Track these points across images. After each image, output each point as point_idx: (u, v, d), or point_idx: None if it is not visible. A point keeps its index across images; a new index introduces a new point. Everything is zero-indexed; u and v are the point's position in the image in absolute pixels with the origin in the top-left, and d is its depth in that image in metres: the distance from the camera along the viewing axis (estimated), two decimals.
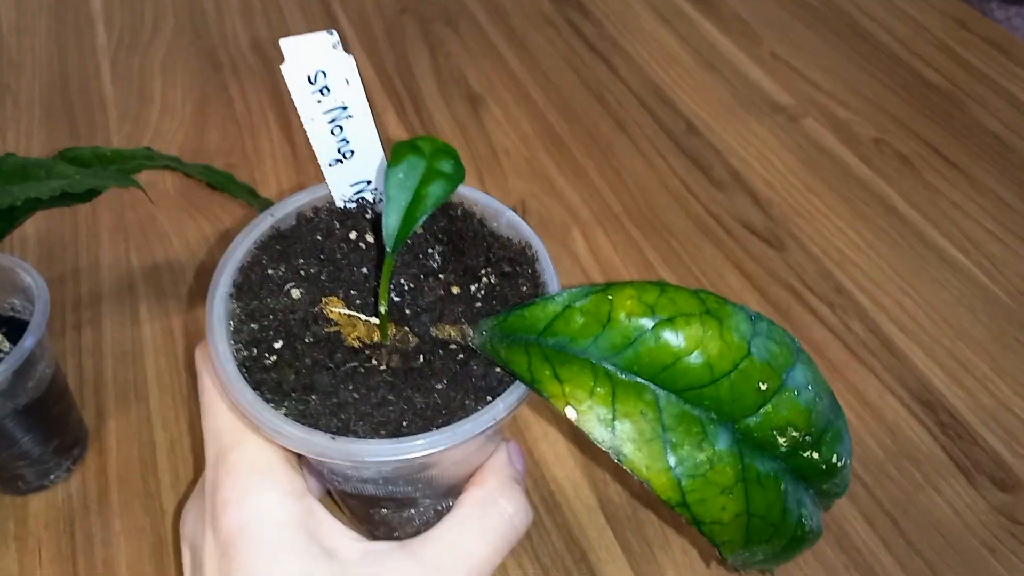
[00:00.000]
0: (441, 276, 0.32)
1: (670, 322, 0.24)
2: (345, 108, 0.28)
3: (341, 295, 0.30)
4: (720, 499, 0.23)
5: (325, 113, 0.28)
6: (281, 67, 0.26)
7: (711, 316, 0.24)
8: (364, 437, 0.26)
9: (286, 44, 0.26)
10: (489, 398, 0.27)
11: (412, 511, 0.34)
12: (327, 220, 0.32)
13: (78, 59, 0.72)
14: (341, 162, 0.30)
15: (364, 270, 0.31)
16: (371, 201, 0.33)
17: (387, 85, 0.68)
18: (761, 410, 0.24)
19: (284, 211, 0.32)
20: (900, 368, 0.48)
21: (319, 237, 0.31)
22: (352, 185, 0.32)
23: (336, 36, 0.26)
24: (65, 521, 0.43)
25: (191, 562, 0.29)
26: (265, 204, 0.44)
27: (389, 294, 0.28)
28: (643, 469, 0.23)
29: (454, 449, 0.26)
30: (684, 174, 0.60)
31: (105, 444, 0.47)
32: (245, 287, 0.29)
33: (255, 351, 0.28)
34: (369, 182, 0.32)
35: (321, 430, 0.26)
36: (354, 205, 0.32)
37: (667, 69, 0.69)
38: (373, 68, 0.70)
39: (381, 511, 0.34)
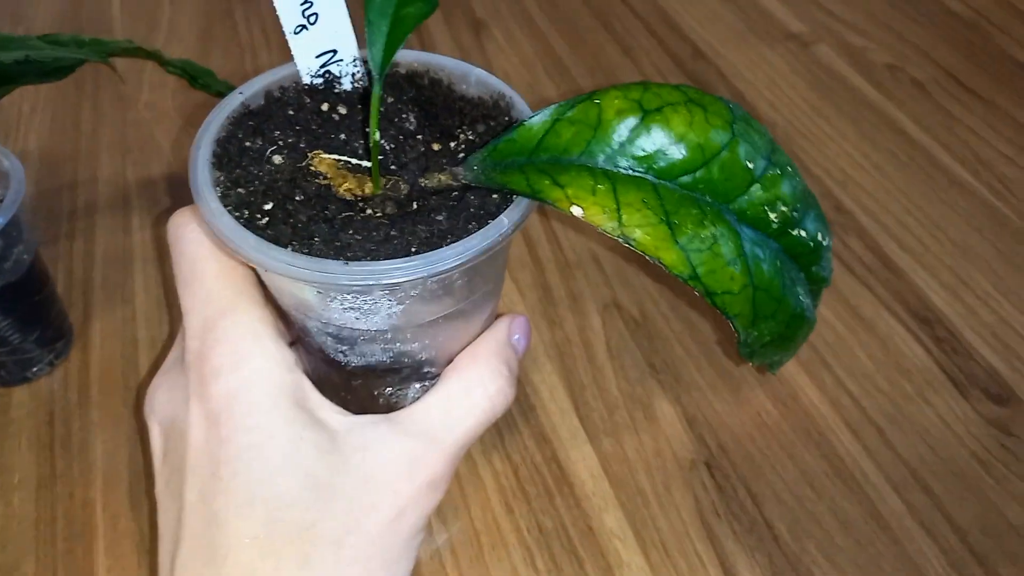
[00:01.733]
0: (419, 137, 0.31)
1: (658, 112, 0.25)
2: None
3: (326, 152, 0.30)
4: (727, 270, 0.24)
5: None
6: None
7: (694, 104, 0.25)
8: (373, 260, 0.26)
9: None
10: (491, 221, 0.28)
11: (415, 387, 0.33)
12: (296, 96, 0.32)
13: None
14: (306, 28, 0.30)
15: (342, 136, 0.31)
16: (337, 75, 0.32)
17: None
18: (751, 188, 0.26)
19: (253, 89, 0.31)
20: (898, 284, 0.46)
21: (290, 111, 0.31)
22: (318, 57, 0.31)
23: None
24: (45, 411, 0.44)
25: (163, 438, 0.29)
26: None
27: (378, 133, 0.27)
28: (654, 249, 0.24)
29: (469, 265, 0.26)
30: None
31: (89, 342, 0.47)
32: (225, 158, 0.29)
33: (246, 212, 0.27)
34: (335, 51, 0.31)
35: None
36: (320, 80, 0.32)
37: None
38: None
39: (386, 391, 0.33)
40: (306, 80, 0.31)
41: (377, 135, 0.27)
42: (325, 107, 0.31)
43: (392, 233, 0.27)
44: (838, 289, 0.46)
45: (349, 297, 0.27)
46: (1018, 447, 0.39)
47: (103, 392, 0.44)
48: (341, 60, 0.32)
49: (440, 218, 0.28)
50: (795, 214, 0.27)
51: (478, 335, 0.32)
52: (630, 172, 0.25)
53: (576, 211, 0.24)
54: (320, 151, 0.30)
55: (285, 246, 0.26)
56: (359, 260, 0.26)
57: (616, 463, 0.39)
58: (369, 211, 0.28)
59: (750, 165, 0.26)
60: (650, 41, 0.63)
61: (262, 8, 0.68)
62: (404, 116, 0.32)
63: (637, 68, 0.61)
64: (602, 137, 0.25)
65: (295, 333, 0.31)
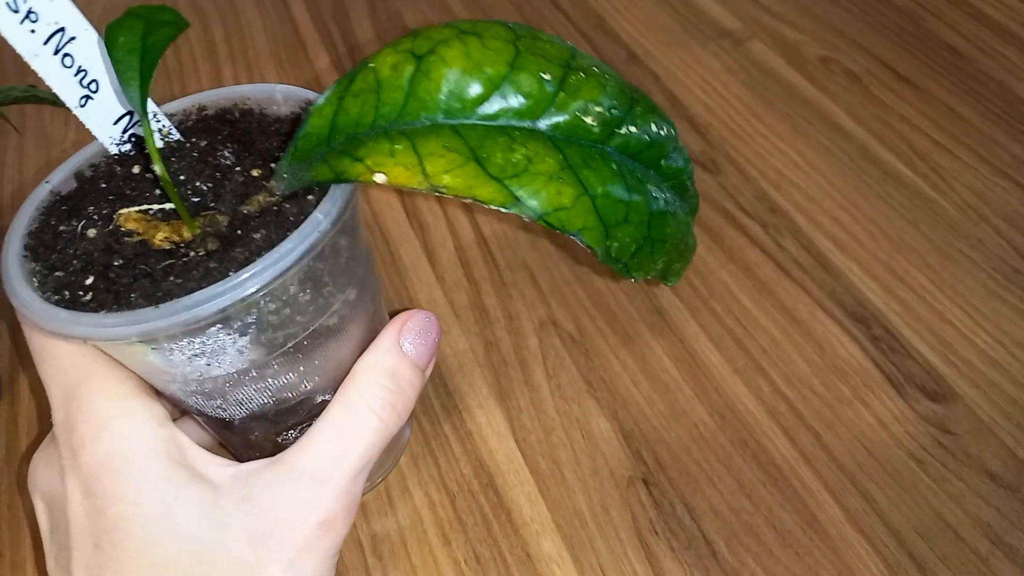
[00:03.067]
0: (238, 168, 0.30)
1: (432, 54, 0.24)
2: (63, 30, 0.26)
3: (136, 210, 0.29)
4: (552, 185, 0.23)
5: (46, 43, 0.25)
6: None
7: (468, 34, 0.25)
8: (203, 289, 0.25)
9: None
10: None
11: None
12: (106, 168, 0.30)
13: None
14: (91, 98, 0.28)
15: (158, 191, 0.30)
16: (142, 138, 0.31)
17: (322, 31, 0.67)
18: (556, 99, 0.25)
19: (61, 175, 0.30)
20: (833, 284, 0.46)
21: (103, 185, 0.30)
22: (115, 123, 0.30)
23: None
24: None
25: (47, 514, 0.28)
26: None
27: (159, 158, 0.26)
28: (466, 189, 0.23)
29: (298, 271, 0.25)
30: None
31: (18, 396, 0.46)
32: (39, 248, 0.28)
33: (67, 294, 0.26)
34: (132, 114, 0.30)
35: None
36: (129, 146, 0.31)
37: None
38: (309, 13, 0.68)
39: (291, 435, 0.32)
40: (113, 150, 0.30)
41: (163, 170, 0.26)
42: (136, 169, 0.30)
43: (211, 266, 0.26)
44: (773, 293, 0.46)
45: (185, 343, 0.26)
46: (954, 444, 0.39)
47: (31, 450, 0.44)
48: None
49: (258, 236, 0.27)
50: (614, 112, 0.26)
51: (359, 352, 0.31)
52: (425, 123, 0.24)
53: (379, 178, 0.23)
54: (127, 209, 0.29)
55: (110, 311, 0.25)
56: (178, 295, 0.25)
57: (554, 485, 0.39)
58: (192, 253, 0.27)
59: (546, 76, 0.25)
60: (583, 46, 0.63)
61: (188, 33, 0.67)
62: (220, 153, 0.31)
63: None
64: (387, 98, 0.24)
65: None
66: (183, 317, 0.24)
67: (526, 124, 0.25)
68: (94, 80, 0.27)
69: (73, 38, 0.26)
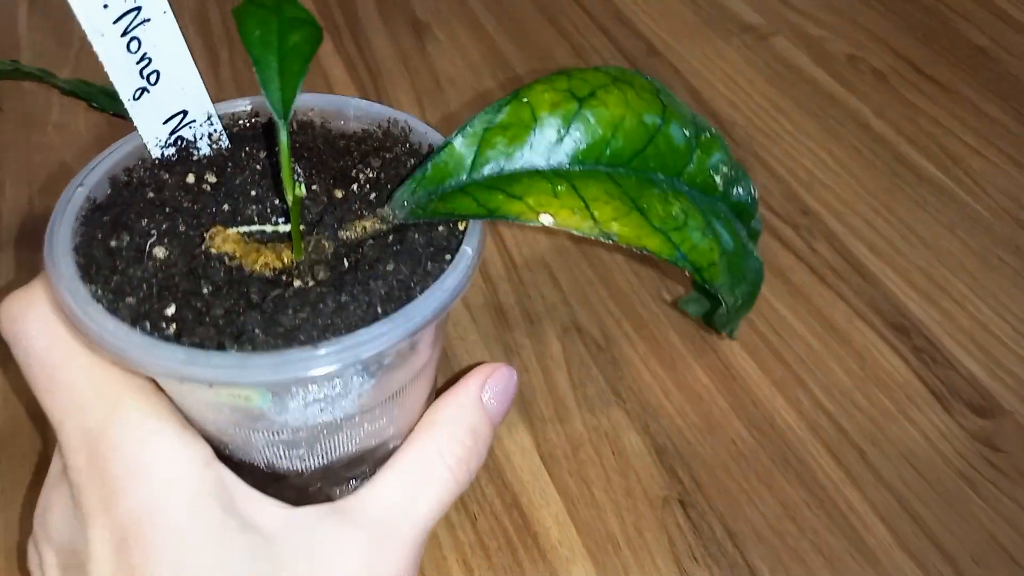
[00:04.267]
0: (314, 188, 0.28)
1: (592, 97, 0.24)
2: (139, 10, 0.23)
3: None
4: (704, 241, 0.24)
5: (116, 23, 0.23)
6: None
7: (621, 81, 0.25)
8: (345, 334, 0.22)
9: None
10: (448, 255, 0.25)
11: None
12: (150, 174, 0.27)
13: None
14: (147, 91, 0.25)
15: (226, 207, 0.27)
16: (192, 139, 0.28)
17: (324, 12, 0.63)
18: (694, 155, 0.26)
19: (94, 178, 0.26)
20: (871, 291, 0.44)
21: (150, 193, 0.26)
22: (165, 122, 0.26)
23: None
24: None
25: (61, 569, 0.24)
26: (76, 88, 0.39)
27: (302, 188, 0.23)
28: (636, 239, 0.23)
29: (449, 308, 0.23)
30: None
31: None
32: (92, 267, 0.24)
33: (148, 324, 0.22)
34: (185, 113, 0.27)
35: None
36: (173, 151, 0.27)
37: None
38: (313, 2, 0.65)
39: (349, 485, 0.29)
40: (156, 153, 0.27)
41: (302, 189, 0.23)
42: (191, 179, 0.27)
43: (344, 299, 0.23)
44: (809, 299, 0.43)
45: (315, 388, 0.23)
46: (1005, 463, 0.37)
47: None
48: (193, 121, 0.27)
49: (390, 267, 0.25)
50: (733, 173, 0.27)
51: (433, 390, 0.28)
52: (581, 167, 0.24)
53: (546, 220, 0.23)
54: (219, 227, 0.25)
55: (217, 348, 0.22)
56: (323, 340, 0.22)
57: (583, 506, 0.36)
58: (299, 283, 0.24)
59: (686, 133, 0.26)
60: (601, 39, 0.60)
61: (185, 14, 0.64)
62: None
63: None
64: (542, 136, 0.24)
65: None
66: (349, 358, 0.21)
67: (670, 178, 0.26)
68: (156, 71, 0.24)
69: (147, 20, 0.23)
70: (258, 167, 0.28)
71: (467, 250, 0.25)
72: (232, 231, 0.25)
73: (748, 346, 0.41)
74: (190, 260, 0.25)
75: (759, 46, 0.59)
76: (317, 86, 0.57)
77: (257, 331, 0.22)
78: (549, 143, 0.24)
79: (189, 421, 0.24)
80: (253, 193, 0.27)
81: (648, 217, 0.24)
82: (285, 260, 0.25)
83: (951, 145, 0.51)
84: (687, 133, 0.26)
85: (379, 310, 0.23)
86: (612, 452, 0.38)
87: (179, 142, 0.27)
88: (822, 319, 0.42)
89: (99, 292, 0.23)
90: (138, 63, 0.24)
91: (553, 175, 0.24)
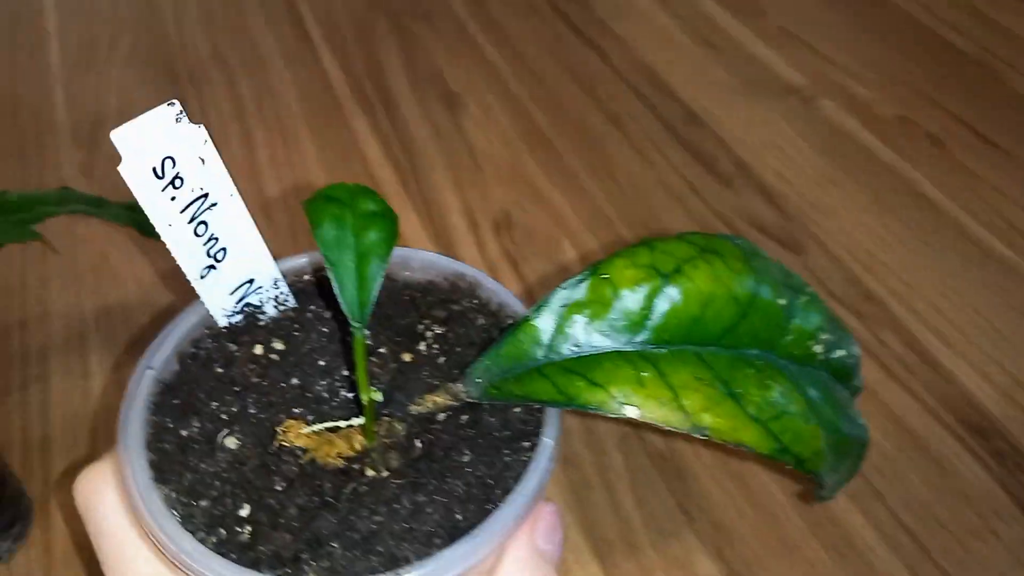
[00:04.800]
0: (382, 351, 0.26)
1: (678, 273, 0.23)
2: (206, 196, 0.23)
3: (293, 416, 0.25)
4: (807, 428, 0.22)
5: (183, 211, 0.23)
6: (119, 168, 0.20)
7: (709, 252, 0.23)
8: (429, 557, 0.21)
9: (119, 136, 0.20)
10: (526, 443, 0.24)
11: None
12: (217, 346, 0.26)
13: (29, 81, 0.67)
14: (214, 268, 0.25)
15: (295, 380, 0.26)
16: (258, 304, 0.27)
17: (356, 89, 0.62)
18: (790, 325, 0.24)
19: (162, 357, 0.25)
20: (944, 387, 0.42)
21: (219, 369, 0.25)
22: (232, 293, 0.26)
23: (178, 106, 0.21)
24: None
25: None
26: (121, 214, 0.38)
27: (367, 381, 0.23)
28: (732, 433, 0.21)
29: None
30: (685, 170, 0.54)
31: (51, 519, 0.42)
32: (164, 464, 0.23)
33: (223, 532, 0.22)
34: (251, 281, 0.26)
35: None
36: (240, 317, 0.27)
37: (662, 51, 0.62)
38: (342, 71, 0.64)
39: None
40: (223, 322, 0.26)
41: (378, 395, 0.22)
42: (259, 350, 0.26)
43: (420, 499, 0.22)
44: (878, 397, 0.42)
45: None
46: None
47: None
48: (260, 288, 0.27)
49: (466, 458, 0.23)
50: (833, 337, 0.25)
51: None
52: (667, 347, 0.23)
53: (631, 412, 0.21)
54: (291, 422, 0.24)
55: (292, 562, 0.21)
56: (399, 546, 0.21)
57: None
58: (371, 472, 0.23)
59: (782, 302, 0.24)
60: (637, 105, 0.58)
61: (218, 95, 0.63)
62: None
63: (626, 138, 0.56)
64: (624, 314, 0.23)
65: None
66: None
67: (764, 352, 0.24)
68: (223, 248, 0.24)
69: (214, 205, 0.23)
70: (324, 330, 0.27)
71: (547, 442, 0.23)
72: (305, 430, 0.24)
73: None
74: (262, 453, 0.24)
75: (804, 110, 0.57)
76: (354, 169, 0.56)
77: (335, 544, 0.21)
78: (632, 322, 0.23)
79: None
80: (322, 363, 0.26)
81: (743, 405, 0.22)
82: (357, 446, 0.24)
83: (1017, 217, 0.49)
84: (783, 302, 0.24)
85: (458, 516, 0.22)
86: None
87: (246, 308, 0.27)
88: (895, 421, 0.41)
89: (173, 496, 0.22)
90: (205, 244, 0.24)
91: (637, 358, 0.23)
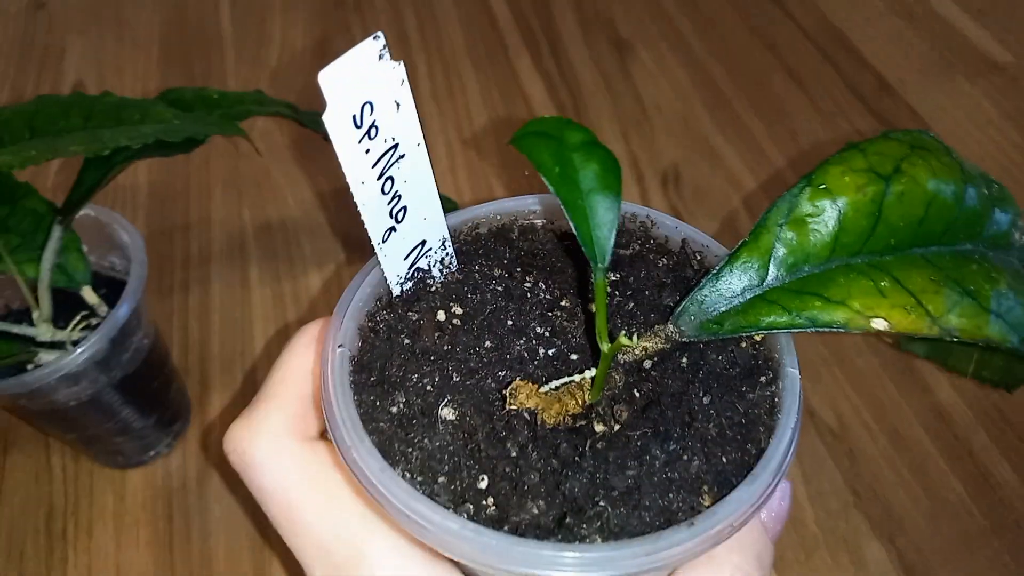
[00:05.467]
0: (564, 304, 0.25)
1: (899, 173, 0.21)
2: (396, 147, 0.21)
3: (515, 378, 0.23)
4: (995, 284, 0.21)
5: (375, 166, 0.21)
6: (323, 117, 0.19)
7: (920, 149, 0.22)
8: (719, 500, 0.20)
9: (327, 77, 0.18)
10: (762, 377, 0.22)
11: None
12: (396, 317, 0.24)
13: None
14: (395, 230, 0.23)
15: (488, 344, 0.24)
16: (427, 269, 0.25)
17: (523, 26, 0.61)
18: (993, 214, 0.23)
19: (347, 334, 0.23)
20: None
21: (406, 341, 0.24)
22: (405, 258, 0.24)
23: (382, 39, 0.19)
24: (163, 502, 0.40)
25: None
26: None
27: (606, 328, 0.21)
28: (977, 330, 0.20)
29: None
30: None
31: (207, 419, 0.43)
32: (388, 441, 0.22)
33: (470, 508, 0.20)
34: (424, 243, 0.24)
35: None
36: (410, 284, 0.25)
37: (854, 13, 0.58)
38: (507, 5, 0.62)
39: None
40: (396, 290, 0.24)
41: (607, 346, 0.21)
42: (442, 316, 0.24)
43: (671, 448, 0.21)
44: None
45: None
46: None
47: (224, 481, 0.40)
48: (430, 250, 0.25)
49: (706, 400, 0.22)
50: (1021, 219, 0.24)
51: None
52: (894, 254, 0.22)
53: (880, 324, 0.20)
54: (520, 383, 0.22)
55: (565, 529, 0.20)
56: (661, 503, 0.20)
57: None
58: (601, 427, 0.22)
59: (984, 192, 0.23)
60: (824, 68, 0.55)
61: (380, 18, 0.63)
62: (527, 286, 0.25)
63: (810, 101, 0.53)
64: (850, 224, 0.22)
65: None
66: (730, 524, 0.19)
67: (976, 244, 0.22)
68: (404, 207, 0.23)
69: (402, 156, 0.21)
70: (499, 289, 0.25)
71: (793, 372, 0.22)
72: (533, 387, 0.22)
73: (1007, 451, 0.37)
74: (486, 419, 0.22)
75: (1010, 88, 0.52)
76: (517, 107, 0.55)
77: (601, 503, 0.20)
78: (859, 232, 0.21)
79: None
80: (509, 323, 0.24)
81: (980, 300, 0.21)
82: (581, 402, 0.23)
83: None
84: (984, 191, 0.23)
85: (723, 460, 0.21)
86: (851, 562, 0.34)
87: (416, 274, 0.25)
88: None
89: (407, 475, 0.21)
90: (389, 203, 0.22)
91: (869, 268, 0.21)
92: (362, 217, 0.21)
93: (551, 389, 0.22)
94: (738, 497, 0.19)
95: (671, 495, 0.20)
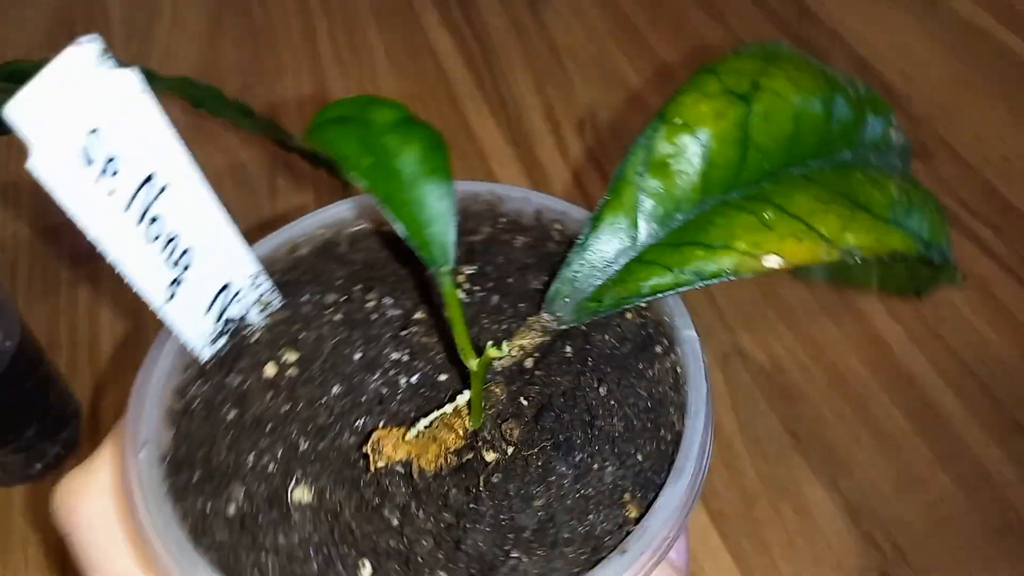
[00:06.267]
0: (418, 316, 0.21)
1: (758, 90, 0.19)
2: (151, 178, 0.16)
3: (376, 424, 0.19)
4: (934, 216, 0.20)
5: (127, 210, 0.16)
6: (30, 163, 0.14)
7: (776, 59, 0.20)
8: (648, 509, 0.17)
9: (18, 108, 0.13)
10: (657, 347, 0.20)
11: None
12: (215, 387, 0.20)
13: None
14: (180, 283, 0.18)
15: (336, 389, 0.20)
16: (240, 317, 0.20)
17: None
18: (866, 117, 0.21)
19: (152, 427, 0.19)
20: None
21: (232, 413, 0.19)
22: (207, 311, 0.19)
23: (99, 41, 0.14)
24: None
25: None
26: (261, 124, 0.34)
27: (468, 340, 0.17)
28: (879, 244, 0.19)
29: None
30: None
31: (101, 423, 0.40)
32: (231, 555, 0.17)
33: None
34: (226, 287, 0.20)
35: None
36: (224, 340, 0.20)
37: None
38: None
39: None
40: (205, 354, 0.20)
41: (495, 351, 0.17)
42: (271, 370, 0.20)
43: (578, 459, 0.18)
44: (1015, 316, 0.36)
45: None
46: None
47: None
48: (238, 292, 0.20)
49: (603, 391, 0.19)
50: (894, 118, 0.22)
51: None
52: (770, 181, 0.20)
53: (772, 262, 0.18)
54: (382, 432, 0.18)
55: None
56: (611, 535, 0.17)
57: (760, 572, 0.31)
58: (492, 455, 0.19)
59: (852, 94, 0.21)
60: (743, 0, 0.52)
61: None
62: (370, 305, 0.21)
63: (730, 34, 0.50)
64: (716, 159, 0.19)
65: None
66: (663, 534, 0.17)
67: (855, 152, 0.21)
68: (186, 250, 0.18)
69: (164, 188, 0.17)
70: (337, 318, 0.21)
71: (690, 335, 0.20)
72: (395, 431, 0.19)
73: (951, 379, 0.35)
74: (353, 489, 0.18)
75: (933, 7, 0.50)
76: (424, 65, 0.52)
77: (515, 554, 0.17)
78: (729, 164, 0.19)
79: None
80: (358, 357, 0.20)
81: (874, 211, 0.19)
82: (462, 433, 0.19)
83: None
84: (853, 96, 0.21)
85: (638, 457, 0.18)
86: (793, 511, 0.32)
87: (227, 327, 0.20)
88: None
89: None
90: (164, 249, 0.17)
91: (747, 201, 0.19)
92: (128, 279, 0.17)
93: (422, 430, 0.19)
94: (666, 501, 0.17)
95: (591, 516, 0.17)
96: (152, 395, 0.19)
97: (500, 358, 0.18)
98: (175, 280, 0.18)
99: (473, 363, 0.17)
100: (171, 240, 0.17)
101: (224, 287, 0.19)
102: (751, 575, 0.31)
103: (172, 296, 0.18)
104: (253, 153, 0.49)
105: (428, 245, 0.16)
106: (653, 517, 0.17)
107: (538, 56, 0.51)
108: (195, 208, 0.18)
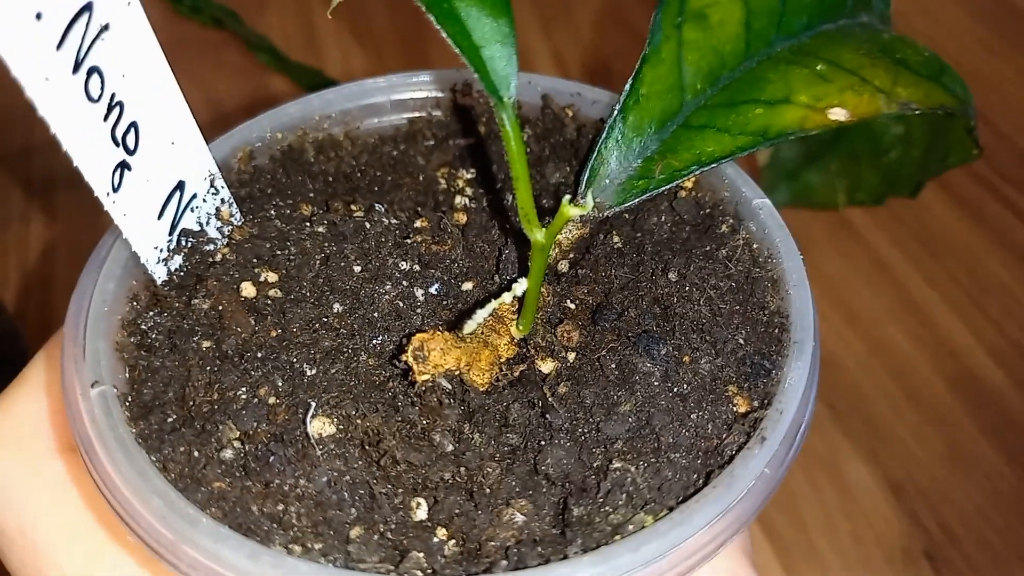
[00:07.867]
0: (420, 223, 0.18)
1: None
2: (89, 6, 0.13)
3: (402, 339, 0.16)
4: (955, 74, 0.19)
5: (60, 48, 0.13)
6: None
7: None
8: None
9: None
10: (723, 226, 0.17)
11: None
12: (180, 314, 0.16)
13: None
14: (127, 167, 0.15)
15: (337, 307, 0.16)
16: (200, 227, 0.17)
17: None
18: None
19: (103, 364, 0.15)
20: None
21: (206, 344, 0.16)
22: (159, 216, 0.16)
23: None
24: None
25: None
26: (255, 41, 0.30)
27: (532, 202, 0.14)
28: (928, 99, 0.18)
29: None
30: None
31: (52, 363, 0.35)
32: (238, 507, 0.14)
33: (419, 556, 0.13)
34: (181, 186, 0.16)
35: None
36: (180, 259, 0.17)
37: None
38: None
39: None
40: (160, 273, 0.16)
41: (541, 237, 0.14)
42: (249, 290, 0.16)
43: (661, 352, 0.15)
44: None
45: None
46: None
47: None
48: (194, 197, 0.17)
49: (672, 277, 0.17)
50: None
51: None
52: (809, 34, 0.18)
53: (838, 114, 0.17)
54: (422, 336, 0.15)
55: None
56: (720, 431, 0.15)
57: (800, 556, 0.28)
58: (551, 363, 0.16)
59: None
60: None
61: None
62: (367, 216, 0.18)
63: None
64: (756, 5, 0.18)
65: None
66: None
67: (870, 18, 0.20)
68: (133, 124, 0.14)
69: (105, 27, 0.13)
70: (320, 230, 0.17)
71: (764, 202, 0.18)
72: (437, 336, 0.15)
73: (995, 352, 0.32)
74: (390, 411, 0.15)
75: None
76: None
77: (613, 463, 0.14)
78: (770, 11, 0.18)
79: None
80: (358, 270, 0.17)
81: (912, 68, 0.18)
82: (509, 340, 0.16)
83: None
84: None
85: (739, 341, 0.16)
86: (831, 483, 0.30)
87: (185, 242, 0.17)
88: None
89: (296, 550, 0.13)
90: (106, 116, 0.14)
91: (796, 56, 0.18)
92: (62, 144, 0.13)
93: (475, 328, 0.15)
94: (796, 380, 0.14)
95: (695, 415, 0.15)
96: (95, 328, 0.16)
97: (583, 214, 0.15)
98: (121, 163, 0.15)
99: (539, 233, 0.14)
100: (115, 104, 0.14)
101: (178, 186, 0.16)
102: (787, 553, 0.28)
103: (119, 185, 0.15)
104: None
105: (485, 71, 0.14)
106: (785, 398, 0.14)
107: (544, 1, 0.48)
108: (141, 63, 0.14)
